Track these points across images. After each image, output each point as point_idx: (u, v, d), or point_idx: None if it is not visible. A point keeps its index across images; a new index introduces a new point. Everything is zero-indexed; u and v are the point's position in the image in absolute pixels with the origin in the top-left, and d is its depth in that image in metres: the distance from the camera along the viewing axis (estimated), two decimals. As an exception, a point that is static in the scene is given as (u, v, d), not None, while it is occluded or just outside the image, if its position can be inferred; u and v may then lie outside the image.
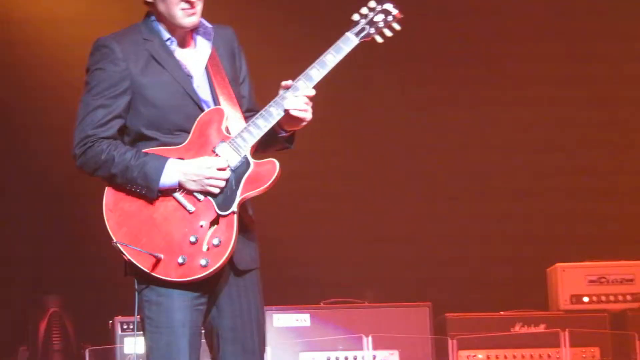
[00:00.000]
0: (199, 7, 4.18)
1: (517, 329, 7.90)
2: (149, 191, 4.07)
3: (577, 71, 9.54)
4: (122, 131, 4.18)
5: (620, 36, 9.57)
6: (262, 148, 4.23)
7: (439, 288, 8.95)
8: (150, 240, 4.05)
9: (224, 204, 4.09)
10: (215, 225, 4.08)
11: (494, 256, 9.33)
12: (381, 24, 4.26)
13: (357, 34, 4.23)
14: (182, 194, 4.10)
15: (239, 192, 4.10)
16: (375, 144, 9.58)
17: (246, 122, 4.18)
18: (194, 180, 4.07)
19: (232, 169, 4.11)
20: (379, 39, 4.28)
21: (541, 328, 7.88)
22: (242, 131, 4.13)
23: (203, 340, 4.21)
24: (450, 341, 7.81)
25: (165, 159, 4.09)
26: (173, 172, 4.07)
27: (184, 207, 4.09)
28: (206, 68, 4.25)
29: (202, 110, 4.16)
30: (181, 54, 4.23)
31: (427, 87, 9.54)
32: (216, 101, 4.21)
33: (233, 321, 4.17)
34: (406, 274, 9.18)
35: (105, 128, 4.11)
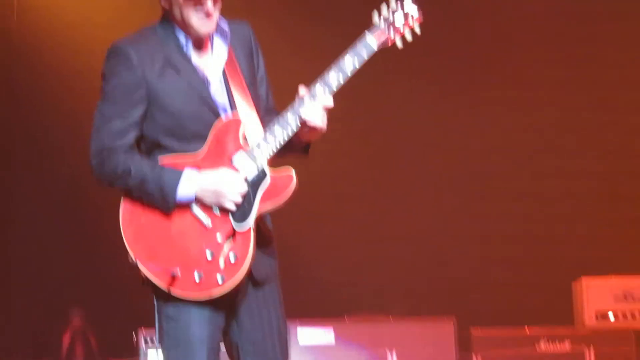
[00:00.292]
0: (215, 14, 4.09)
1: (542, 345, 7.85)
2: (165, 204, 4.02)
3: (580, 74, 9.51)
4: (139, 139, 4.12)
5: (621, 39, 9.57)
6: (279, 155, 4.14)
7: (462, 298, 8.94)
8: (167, 256, 4.01)
9: (241, 219, 4.03)
10: (232, 240, 4.03)
11: (517, 262, 9.34)
12: (402, 28, 4.15)
13: (377, 37, 4.12)
14: (199, 208, 4.04)
15: (255, 207, 4.05)
16: (382, 147, 9.61)
17: (263, 126, 4.12)
18: (211, 195, 4.02)
19: (249, 181, 4.06)
20: (399, 44, 4.16)
21: (566, 345, 7.83)
22: (259, 140, 4.07)
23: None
24: (474, 358, 7.76)
25: (181, 172, 4.02)
26: (190, 185, 4.01)
27: (201, 222, 4.04)
28: (223, 71, 4.17)
29: (219, 115, 4.10)
30: (198, 58, 4.15)
31: (430, 90, 9.55)
32: (233, 105, 4.13)
33: (254, 334, 4.13)
34: (429, 283, 9.17)
35: (121, 138, 4.04)
